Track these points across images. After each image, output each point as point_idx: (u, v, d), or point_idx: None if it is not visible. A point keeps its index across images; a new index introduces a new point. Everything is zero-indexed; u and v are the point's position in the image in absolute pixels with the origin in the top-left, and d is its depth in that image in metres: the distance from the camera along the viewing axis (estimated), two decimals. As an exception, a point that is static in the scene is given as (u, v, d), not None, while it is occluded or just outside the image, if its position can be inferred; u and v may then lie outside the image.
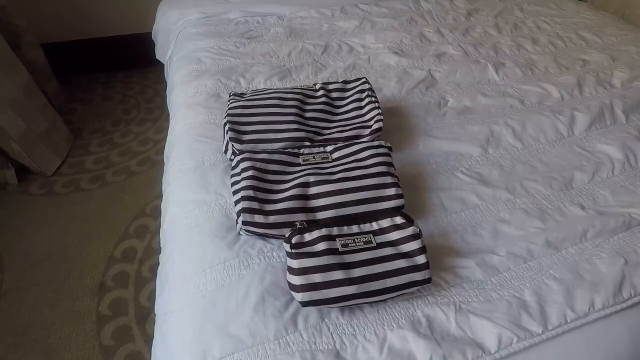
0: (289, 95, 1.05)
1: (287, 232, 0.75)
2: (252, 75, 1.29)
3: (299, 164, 0.89)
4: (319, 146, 0.94)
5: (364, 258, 0.72)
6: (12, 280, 1.40)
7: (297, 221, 0.77)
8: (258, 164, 0.86)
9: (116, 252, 1.49)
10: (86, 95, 2.27)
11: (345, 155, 0.91)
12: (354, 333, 0.70)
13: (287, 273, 0.72)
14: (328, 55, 1.43)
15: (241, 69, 1.31)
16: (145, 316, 1.30)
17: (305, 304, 0.69)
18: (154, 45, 1.95)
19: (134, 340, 1.25)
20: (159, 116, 2.13)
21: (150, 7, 1.98)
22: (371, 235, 0.75)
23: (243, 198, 0.79)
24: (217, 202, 0.88)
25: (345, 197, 0.81)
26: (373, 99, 1.07)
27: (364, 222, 0.77)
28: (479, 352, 0.68)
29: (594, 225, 0.88)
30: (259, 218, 0.78)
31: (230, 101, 1.04)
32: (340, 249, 0.72)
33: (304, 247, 0.72)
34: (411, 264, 0.72)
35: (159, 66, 1.85)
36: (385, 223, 0.77)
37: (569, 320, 0.72)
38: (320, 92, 1.09)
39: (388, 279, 0.70)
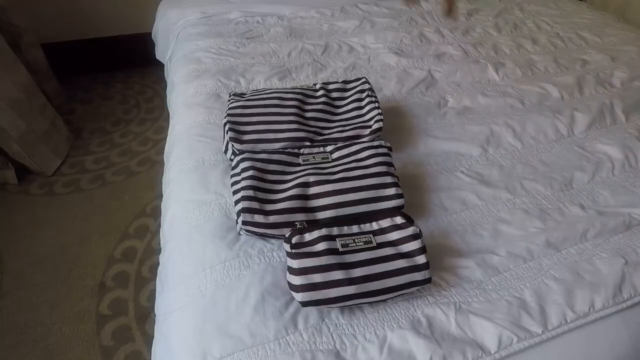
0: (289, 95, 1.05)
1: (287, 232, 0.75)
2: (252, 75, 1.28)
3: (299, 164, 0.89)
4: (319, 146, 0.94)
5: (364, 258, 0.72)
6: (12, 280, 1.40)
7: (297, 221, 0.77)
8: (258, 164, 0.86)
9: (116, 252, 1.49)
10: (86, 95, 2.27)
11: (345, 155, 0.91)
12: (354, 333, 0.70)
13: (287, 273, 0.72)
14: (328, 55, 1.43)
15: (241, 69, 1.31)
16: (145, 316, 1.30)
17: (305, 304, 0.69)
18: (154, 45, 1.95)
19: (134, 340, 1.25)
20: (159, 116, 2.13)
21: (150, 7, 1.97)
22: (371, 235, 0.75)
23: (243, 198, 0.79)
24: (217, 202, 0.88)
25: (345, 197, 0.81)
26: (373, 99, 1.07)
27: (364, 222, 0.77)
28: (479, 352, 0.68)
29: (594, 225, 0.88)
30: (259, 218, 0.78)
31: (230, 101, 1.04)
32: (340, 249, 0.72)
33: (304, 247, 0.72)
34: (411, 264, 0.72)
35: (159, 66, 1.85)
36: (385, 223, 0.77)
37: (569, 321, 0.72)
38: (320, 92, 1.09)
39: (388, 279, 0.70)
